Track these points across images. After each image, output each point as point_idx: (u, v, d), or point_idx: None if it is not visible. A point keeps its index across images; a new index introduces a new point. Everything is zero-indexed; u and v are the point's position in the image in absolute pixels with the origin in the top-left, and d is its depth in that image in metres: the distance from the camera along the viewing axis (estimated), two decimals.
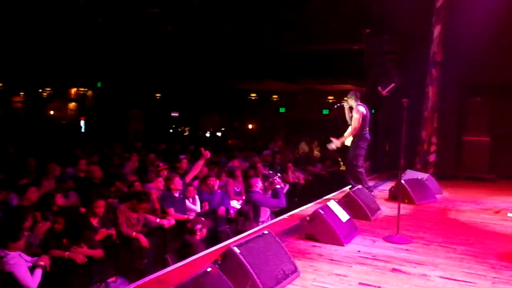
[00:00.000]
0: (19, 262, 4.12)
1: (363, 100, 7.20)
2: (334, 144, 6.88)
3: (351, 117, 6.91)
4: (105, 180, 7.21)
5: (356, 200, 5.93)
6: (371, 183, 7.66)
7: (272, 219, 6.85)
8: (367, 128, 6.83)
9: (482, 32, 8.71)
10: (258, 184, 7.15)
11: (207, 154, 7.06)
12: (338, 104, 7.14)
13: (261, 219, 6.93)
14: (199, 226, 5.60)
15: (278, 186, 7.19)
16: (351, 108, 6.93)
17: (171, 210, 6.23)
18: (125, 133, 18.84)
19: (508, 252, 4.66)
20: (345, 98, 7.04)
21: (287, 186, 8.92)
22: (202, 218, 6.08)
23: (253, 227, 6.37)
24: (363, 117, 6.71)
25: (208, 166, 8.74)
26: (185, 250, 5.42)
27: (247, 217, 7.02)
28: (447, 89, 9.66)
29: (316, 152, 13.35)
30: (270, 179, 7.38)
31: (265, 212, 7.06)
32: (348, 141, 6.92)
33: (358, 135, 6.75)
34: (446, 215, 6.40)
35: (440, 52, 9.50)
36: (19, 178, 6.86)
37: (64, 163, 8.18)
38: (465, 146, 10.03)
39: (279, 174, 8.08)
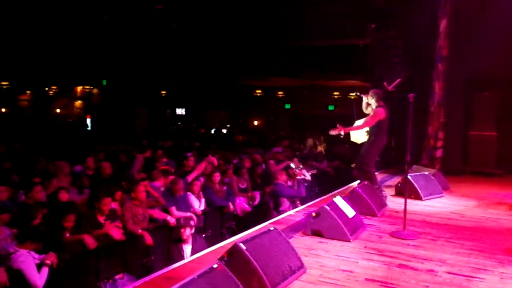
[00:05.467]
0: (27, 260, 4.14)
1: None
2: (337, 130, 6.45)
3: (363, 113, 6.78)
4: (113, 177, 7.24)
5: (362, 196, 5.90)
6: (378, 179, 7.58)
7: (292, 209, 7.13)
8: (384, 130, 6.57)
9: (489, 25, 8.62)
10: (282, 177, 7.71)
11: (214, 161, 7.07)
12: (358, 93, 6.99)
13: (281, 209, 7.34)
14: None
15: (299, 177, 8.06)
16: (367, 104, 6.79)
17: (173, 209, 6.25)
18: (131, 130, 18.91)
19: None
20: (367, 96, 6.79)
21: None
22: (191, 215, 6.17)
23: (274, 216, 6.62)
24: (381, 120, 6.46)
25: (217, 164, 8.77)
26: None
27: (267, 207, 7.48)
28: (454, 83, 9.58)
29: (320, 148, 13.30)
30: (292, 171, 8.22)
31: (285, 202, 7.43)
32: (360, 137, 6.80)
33: (374, 135, 6.55)
34: (453, 210, 6.36)
35: (446, 46, 9.41)
36: (28, 176, 6.92)
37: (71, 161, 8.22)
38: (472, 141, 9.95)
39: (301, 166, 8.54)
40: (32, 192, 5.76)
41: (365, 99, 6.86)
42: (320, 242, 4.73)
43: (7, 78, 19.78)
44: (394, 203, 6.56)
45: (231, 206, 7.16)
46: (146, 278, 3.76)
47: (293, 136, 15.98)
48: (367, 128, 6.67)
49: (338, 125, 6.52)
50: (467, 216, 6.03)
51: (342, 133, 6.49)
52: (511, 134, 9.59)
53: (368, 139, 6.66)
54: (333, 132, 6.53)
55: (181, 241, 5.46)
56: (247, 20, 15.95)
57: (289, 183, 8.07)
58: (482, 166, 9.73)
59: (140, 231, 5.50)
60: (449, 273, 3.94)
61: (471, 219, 5.86)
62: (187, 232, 5.56)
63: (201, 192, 6.89)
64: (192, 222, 6.27)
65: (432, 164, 9.20)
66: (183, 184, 6.55)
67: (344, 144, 13.16)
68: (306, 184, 8.85)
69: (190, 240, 5.65)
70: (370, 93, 6.73)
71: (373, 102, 6.64)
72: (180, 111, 25.72)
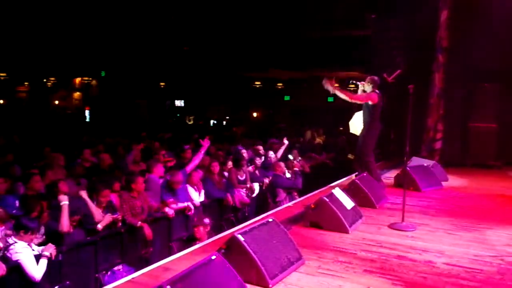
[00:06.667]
0: (26, 251, 4.14)
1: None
2: (329, 84, 6.50)
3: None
4: (112, 169, 7.23)
5: (361, 188, 5.90)
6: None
7: (289, 200, 7.25)
8: (377, 118, 6.57)
9: (490, 17, 8.56)
10: (280, 168, 7.86)
11: (206, 143, 7.06)
12: (354, 81, 6.96)
13: (278, 199, 7.46)
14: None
15: (296, 169, 8.18)
16: (363, 92, 6.74)
17: (170, 201, 6.24)
18: (131, 122, 18.87)
19: None
20: (363, 83, 6.75)
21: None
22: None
23: (271, 208, 6.74)
24: (373, 105, 6.44)
25: (214, 154, 8.76)
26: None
27: (265, 198, 7.63)
28: (454, 75, 9.55)
29: (319, 140, 13.28)
30: (290, 162, 8.41)
31: (281, 193, 7.55)
32: (359, 129, 6.81)
33: (367, 125, 6.57)
34: (452, 202, 6.36)
35: (447, 37, 9.37)
36: (27, 167, 6.90)
37: (69, 153, 8.21)
38: (471, 133, 9.92)
39: (299, 158, 8.58)
40: (31, 183, 5.75)
41: (361, 87, 6.82)
42: (318, 233, 4.73)
43: (5, 70, 19.72)
44: (393, 194, 6.56)
45: (230, 198, 7.15)
46: (145, 270, 3.76)
47: (292, 128, 15.95)
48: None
49: (328, 80, 6.50)
50: (466, 208, 6.03)
51: (331, 90, 6.46)
52: (510, 126, 9.57)
53: (363, 130, 6.68)
54: (326, 84, 6.49)
55: (195, 239, 5.43)
56: (247, 13, 15.85)
57: (288, 174, 8.08)
58: (482, 158, 9.70)
59: (139, 223, 5.49)
60: (447, 264, 3.94)
61: (470, 211, 5.86)
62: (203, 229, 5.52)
63: (200, 184, 6.88)
64: (190, 213, 6.27)
65: (431, 156, 9.19)
66: (182, 176, 6.53)
67: (342, 135, 13.16)
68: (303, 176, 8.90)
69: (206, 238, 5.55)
70: (367, 79, 6.67)
71: (369, 89, 6.59)
72: (179, 103, 25.66)
